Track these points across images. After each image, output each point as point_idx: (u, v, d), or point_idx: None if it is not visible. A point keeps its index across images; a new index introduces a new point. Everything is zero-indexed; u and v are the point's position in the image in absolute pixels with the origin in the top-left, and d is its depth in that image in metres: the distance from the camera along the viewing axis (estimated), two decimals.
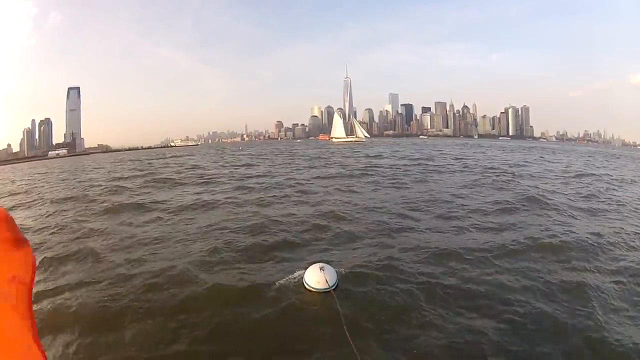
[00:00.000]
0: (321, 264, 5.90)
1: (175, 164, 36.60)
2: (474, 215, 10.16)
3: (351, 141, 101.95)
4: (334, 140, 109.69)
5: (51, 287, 6.11)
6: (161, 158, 51.65)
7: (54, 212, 12.85)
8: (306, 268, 5.96)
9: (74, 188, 20.52)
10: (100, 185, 20.27)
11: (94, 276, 6.50)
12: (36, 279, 0.86)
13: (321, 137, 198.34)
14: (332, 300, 5.18)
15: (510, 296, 5.40)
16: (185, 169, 29.14)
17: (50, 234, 9.80)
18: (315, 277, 5.63)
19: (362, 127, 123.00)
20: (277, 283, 5.90)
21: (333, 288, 5.55)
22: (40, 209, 13.84)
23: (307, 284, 5.66)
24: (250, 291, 5.72)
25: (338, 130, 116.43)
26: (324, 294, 5.46)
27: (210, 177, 21.70)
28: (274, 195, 14.03)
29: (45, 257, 7.47)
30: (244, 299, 5.49)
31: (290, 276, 6.08)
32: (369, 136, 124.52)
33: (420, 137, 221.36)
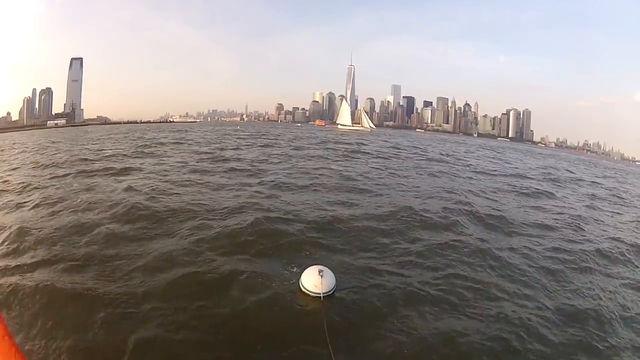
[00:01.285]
0: (320, 267, 5.71)
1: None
2: None
3: (356, 129, 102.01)
4: (339, 126, 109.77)
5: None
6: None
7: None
8: (304, 269, 5.85)
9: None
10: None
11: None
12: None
13: (317, 122, 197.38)
14: (326, 306, 5.10)
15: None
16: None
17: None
18: (313, 281, 5.46)
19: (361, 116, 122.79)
20: (272, 282, 5.77)
21: (329, 293, 5.42)
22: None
23: (303, 287, 5.53)
24: (242, 286, 5.65)
25: (344, 117, 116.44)
26: (319, 298, 5.29)
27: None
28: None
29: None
30: (232, 293, 5.46)
31: (287, 276, 6.01)
32: (374, 127, 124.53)
33: (417, 130, 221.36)
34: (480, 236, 9.29)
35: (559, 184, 22.81)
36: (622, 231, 11.86)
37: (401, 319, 5.20)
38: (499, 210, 12.32)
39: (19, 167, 18.32)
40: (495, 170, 26.20)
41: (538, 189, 18.06)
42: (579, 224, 11.74)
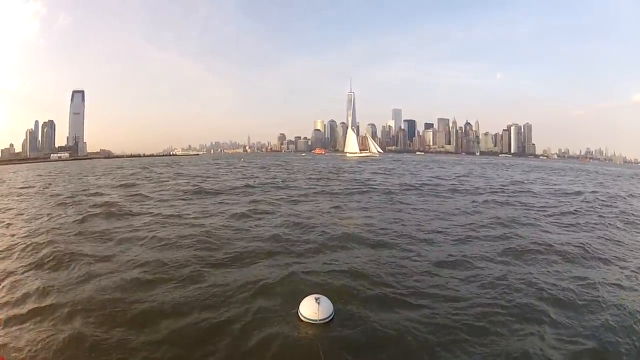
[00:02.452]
0: (317, 295, 5.86)
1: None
2: None
3: (365, 156, 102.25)
4: (348, 155, 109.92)
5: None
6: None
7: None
8: (303, 298, 5.92)
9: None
10: None
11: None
12: None
13: (317, 151, 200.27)
14: (322, 334, 5.19)
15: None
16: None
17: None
18: (311, 308, 5.62)
19: (367, 142, 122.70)
20: (271, 311, 5.87)
21: (327, 320, 5.53)
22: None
23: (302, 315, 5.66)
24: (240, 316, 5.69)
25: (351, 145, 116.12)
26: (317, 325, 5.41)
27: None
28: None
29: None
30: (232, 321, 5.48)
31: (286, 305, 6.03)
32: (382, 151, 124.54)
33: (417, 153, 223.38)
34: None
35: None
36: None
37: (401, 345, 5.08)
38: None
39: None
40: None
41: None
42: None
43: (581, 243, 9.60)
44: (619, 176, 48.47)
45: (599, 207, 16.66)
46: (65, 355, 4.72)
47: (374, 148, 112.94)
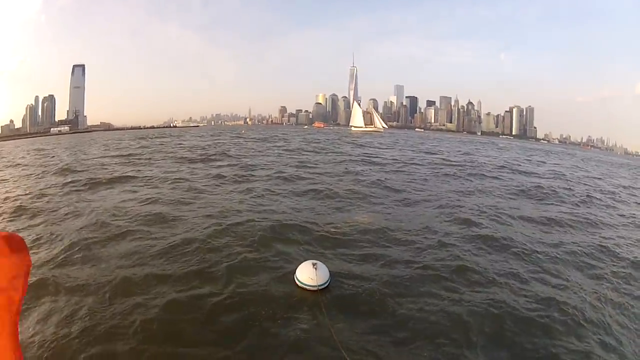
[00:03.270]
0: (314, 261, 5.84)
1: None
2: None
3: (369, 130, 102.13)
4: (353, 128, 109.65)
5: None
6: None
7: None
8: (299, 263, 6.00)
9: None
10: None
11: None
12: None
13: (316, 124, 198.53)
14: (323, 298, 5.22)
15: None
16: None
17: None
18: (308, 274, 5.61)
19: (367, 116, 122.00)
20: (267, 277, 5.91)
21: (325, 286, 5.58)
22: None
23: (299, 281, 5.68)
24: (238, 283, 5.72)
25: (357, 119, 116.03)
26: (314, 291, 5.44)
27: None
28: None
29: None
30: (230, 292, 5.49)
31: (281, 270, 6.13)
32: (386, 127, 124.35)
33: (416, 130, 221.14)
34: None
35: None
36: None
37: (399, 303, 5.45)
38: None
39: None
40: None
41: None
42: None
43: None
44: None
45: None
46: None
47: (379, 123, 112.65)
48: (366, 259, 7.15)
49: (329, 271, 5.88)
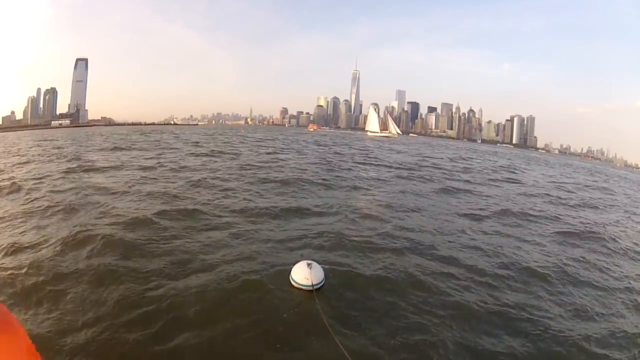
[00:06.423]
0: (309, 261, 5.86)
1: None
2: None
3: (385, 136, 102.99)
4: (369, 133, 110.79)
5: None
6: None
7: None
8: (294, 263, 5.96)
9: None
10: None
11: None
12: None
13: (310, 126, 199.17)
14: (318, 298, 5.20)
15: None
16: None
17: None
18: (302, 274, 5.60)
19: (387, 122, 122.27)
20: (262, 277, 5.84)
21: (319, 286, 5.55)
22: None
23: (294, 281, 5.66)
24: (233, 284, 5.63)
25: (373, 124, 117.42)
26: (309, 291, 5.42)
27: None
28: None
29: None
30: (225, 292, 5.39)
31: (276, 270, 6.09)
32: (400, 133, 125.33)
33: (410, 135, 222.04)
34: None
35: None
36: None
37: (395, 302, 5.43)
38: None
39: None
40: None
41: None
42: None
43: None
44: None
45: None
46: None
47: (394, 129, 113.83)
48: (361, 258, 7.09)
49: (324, 271, 5.88)
